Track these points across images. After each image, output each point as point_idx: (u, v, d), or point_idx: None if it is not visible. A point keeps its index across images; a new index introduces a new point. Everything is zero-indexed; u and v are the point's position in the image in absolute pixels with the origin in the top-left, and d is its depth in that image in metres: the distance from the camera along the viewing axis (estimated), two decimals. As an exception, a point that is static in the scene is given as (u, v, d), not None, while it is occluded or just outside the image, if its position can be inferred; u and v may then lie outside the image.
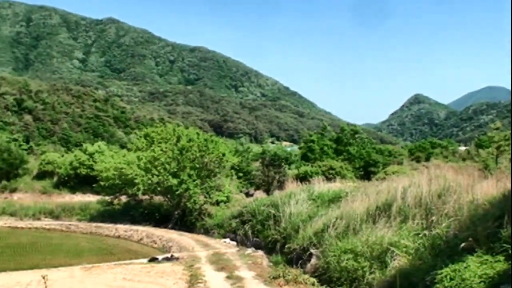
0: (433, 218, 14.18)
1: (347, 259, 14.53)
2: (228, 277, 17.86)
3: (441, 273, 10.37)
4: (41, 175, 63.81)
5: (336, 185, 26.56)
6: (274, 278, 17.06)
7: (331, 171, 51.84)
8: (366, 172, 62.39)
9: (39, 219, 49.67)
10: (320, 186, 26.16)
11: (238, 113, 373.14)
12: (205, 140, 41.50)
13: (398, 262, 13.07)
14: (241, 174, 54.39)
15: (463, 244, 11.07)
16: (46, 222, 47.56)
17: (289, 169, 57.41)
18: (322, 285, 15.52)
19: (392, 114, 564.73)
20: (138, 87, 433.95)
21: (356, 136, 76.48)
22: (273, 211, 24.26)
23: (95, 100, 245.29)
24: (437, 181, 16.38)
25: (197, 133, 44.36)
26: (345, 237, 16.27)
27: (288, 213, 22.81)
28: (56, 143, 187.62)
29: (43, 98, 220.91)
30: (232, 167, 46.12)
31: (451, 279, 10.08)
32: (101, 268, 20.93)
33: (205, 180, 40.10)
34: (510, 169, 38.65)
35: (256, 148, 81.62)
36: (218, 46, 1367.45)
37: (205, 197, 40.22)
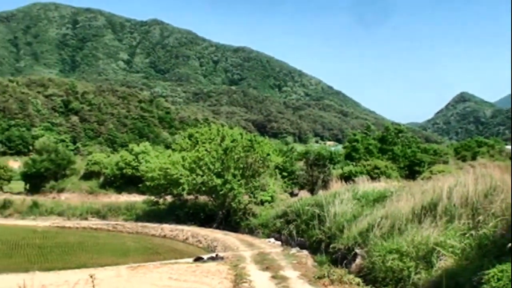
0: (480, 217, 13.99)
1: (393, 259, 14.42)
2: (273, 277, 17.86)
3: (488, 273, 10.23)
4: (88, 176, 64.64)
5: (380, 185, 26.36)
6: (319, 278, 17.02)
7: (375, 171, 51.47)
8: (411, 171, 61.84)
9: (86, 218, 50.33)
10: (364, 185, 26.00)
11: (282, 113, 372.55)
12: (249, 140, 41.52)
13: (444, 262, 12.93)
14: (285, 174, 54.29)
15: (510, 244, 10.91)
16: (93, 222, 48.17)
17: (333, 168, 57.18)
18: (367, 285, 15.43)
19: (437, 112, 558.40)
20: (182, 87, 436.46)
21: (401, 135, 75.79)
22: (317, 211, 24.18)
23: (140, 101, 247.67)
24: (484, 180, 16.15)
25: (241, 133, 44.46)
26: (390, 237, 16.14)
27: (332, 212, 22.73)
28: (102, 144, 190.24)
29: (90, 99, 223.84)
30: (276, 167, 46.07)
31: (498, 279, 9.95)
32: (147, 268, 21.10)
33: (249, 180, 40.12)
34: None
35: (300, 148, 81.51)
36: (261, 46, 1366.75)
37: (250, 197, 40.25)
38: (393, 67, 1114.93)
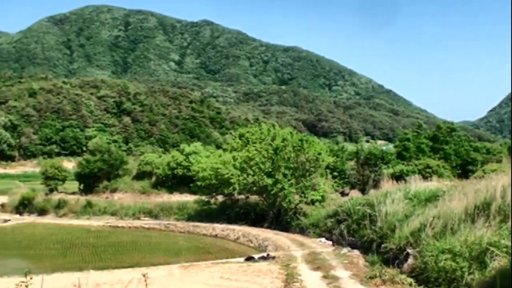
0: (535, 217, 13.78)
1: (445, 259, 14.27)
2: (324, 277, 17.84)
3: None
4: (140, 176, 65.31)
5: (432, 184, 26.07)
6: (371, 278, 16.94)
7: (427, 170, 50.81)
8: (464, 170, 60.89)
9: (138, 218, 50.93)
10: (416, 185, 25.75)
11: (332, 112, 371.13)
12: (300, 139, 41.44)
13: (498, 262, 12.76)
14: (336, 174, 54.05)
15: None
16: (145, 222, 48.71)
17: (384, 168, 56.70)
18: (419, 285, 15.30)
19: (490, 111, 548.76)
20: (233, 87, 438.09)
21: (453, 134, 74.69)
22: (368, 211, 24.05)
23: (191, 101, 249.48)
24: (539, 179, 15.88)
25: (291, 133, 44.40)
26: (442, 237, 15.97)
27: (384, 212, 22.56)
28: (154, 144, 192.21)
29: (141, 100, 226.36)
30: (327, 167, 45.88)
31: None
32: (199, 267, 21.27)
33: (300, 179, 40.05)
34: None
35: (350, 147, 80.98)
36: (311, 46, 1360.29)
37: (300, 196, 40.16)
38: (445, 65, 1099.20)
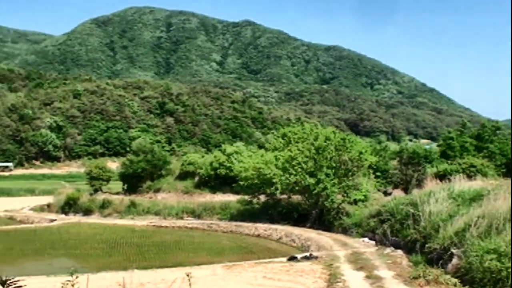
0: None
1: (490, 260, 14.11)
2: (367, 277, 17.78)
3: None
4: (183, 176, 65.62)
5: (477, 183, 25.77)
6: (414, 278, 16.83)
7: (471, 169, 50.22)
8: (509, 169, 60.02)
9: (181, 218, 51.23)
10: (460, 184, 25.48)
11: (374, 111, 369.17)
12: (342, 139, 41.32)
13: (545, 263, 12.60)
14: (378, 173, 53.70)
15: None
16: (189, 221, 48.97)
17: (428, 167, 56.20)
18: (464, 286, 15.15)
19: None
20: (274, 87, 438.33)
21: (498, 132, 73.75)
22: (412, 210, 23.86)
23: (233, 102, 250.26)
24: None
25: (334, 132, 44.26)
26: (487, 237, 15.80)
27: (427, 212, 22.37)
28: (197, 144, 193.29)
29: (184, 100, 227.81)
30: (369, 166, 45.63)
31: None
32: (242, 267, 21.35)
33: (342, 179, 39.92)
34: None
35: (393, 147, 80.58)
36: (352, 45, 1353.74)
37: (343, 196, 40.02)
38: (488, 63, 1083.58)
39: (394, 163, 58.48)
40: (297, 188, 40.48)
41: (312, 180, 38.67)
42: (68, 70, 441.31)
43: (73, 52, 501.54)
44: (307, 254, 24.14)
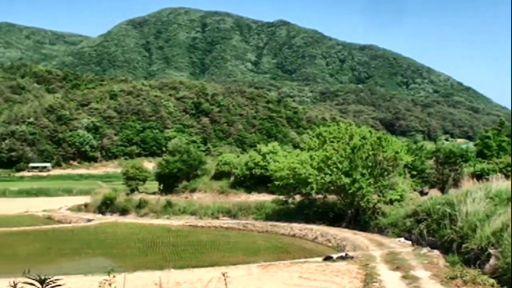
0: None
1: (529, 260, 13.99)
2: (403, 277, 17.70)
3: None
4: (218, 176, 65.82)
5: (515, 183, 25.49)
6: (451, 278, 16.72)
7: (509, 168, 49.64)
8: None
9: (217, 218, 51.36)
10: (497, 183, 25.22)
11: (410, 111, 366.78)
12: (378, 138, 41.14)
13: None
14: (414, 173, 53.33)
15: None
16: (224, 221, 49.11)
17: (465, 166, 55.65)
18: (502, 286, 15.03)
19: None
20: (309, 87, 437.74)
21: (537, 131, 72.80)
22: (448, 210, 23.68)
23: (268, 102, 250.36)
24: None
25: (369, 131, 44.09)
26: (526, 237, 15.65)
27: (464, 211, 22.19)
28: (232, 144, 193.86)
29: (219, 100, 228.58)
30: (405, 165, 45.34)
31: None
32: (277, 266, 21.39)
33: (378, 178, 39.72)
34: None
35: (429, 146, 79.82)
36: (388, 44, 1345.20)
37: (379, 195, 39.83)
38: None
39: (430, 162, 57.99)
40: (332, 188, 40.41)
41: (347, 180, 38.56)
42: (105, 71, 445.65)
43: (109, 53, 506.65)
44: (343, 254, 24.11)
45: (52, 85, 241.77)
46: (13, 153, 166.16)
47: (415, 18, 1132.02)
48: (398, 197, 40.21)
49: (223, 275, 10.92)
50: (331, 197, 44.06)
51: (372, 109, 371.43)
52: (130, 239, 41.68)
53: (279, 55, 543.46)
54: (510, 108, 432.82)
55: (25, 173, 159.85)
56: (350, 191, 38.67)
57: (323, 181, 39.49)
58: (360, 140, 40.43)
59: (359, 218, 39.49)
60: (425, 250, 24.04)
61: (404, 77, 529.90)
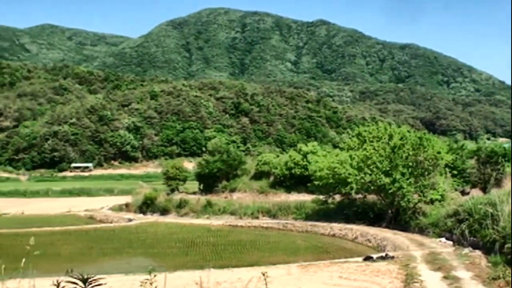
0: None
1: None
2: (444, 277, 17.59)
3: None
4: (258, 175, 65.92)
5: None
6: (494, 279, 16.56)
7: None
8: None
9: (257, 217, 51.46)
10: (541, 183, 24.92)
11: (450, 110, 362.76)
12: (419, 137, 40.84)
13: None
14: (455, 172, 52.79)
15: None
16: (264, 221, 49.22)
17: (507, 166, 54.90)
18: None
19: None
20: (349, 86, 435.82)
21: None
22: (490, 210, 23.45)
23: (307, 101, 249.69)
24: None
25: (409, 131, 43.82)
26: None
27: (506, 211, 21.97)
28: (271, 144, 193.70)
29: (258, 100, 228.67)
30: (446, 165, 44.92)
31: None
32: (317, 266, 21.41)
33: (418, 178, 39.44)
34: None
35: (470, 145, 78.96)
36: (428, 42, 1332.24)
37: (419, 195, 39.53)
38: None
39: (471, 162, 57.36)
40: (372, 187, 40.25)
41: (387, 180, 38.38)
42: (145, 71, 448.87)
43: (150, 53, 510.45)
44: (383, 254, 24.03)
45: (94, 86, 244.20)
46: (55, 153, 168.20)
47: (457, 16, 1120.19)
48: (439, 197, 39.81)
49: (263, 274, 10.97)
50: (371, 197, 43.95)
51: (412, 109, 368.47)
52: (171, 239, 42.07)
53: (318, 55, 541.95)
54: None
55: (67, 173, 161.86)
56: (390, 190, 38.49)
57: (363, 180, 39.37)
58: (400, 140, 40.20)
59: (399, 218, 39.29)
60: (466, 250, 23.83)
61: (444, 76, 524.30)
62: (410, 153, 39.25)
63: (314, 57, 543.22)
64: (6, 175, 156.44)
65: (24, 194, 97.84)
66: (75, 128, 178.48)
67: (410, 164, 39.40)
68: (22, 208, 70.13)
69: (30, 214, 66.38)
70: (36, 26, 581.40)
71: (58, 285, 6.06)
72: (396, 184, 38.13)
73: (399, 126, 48.18)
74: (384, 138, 41.98)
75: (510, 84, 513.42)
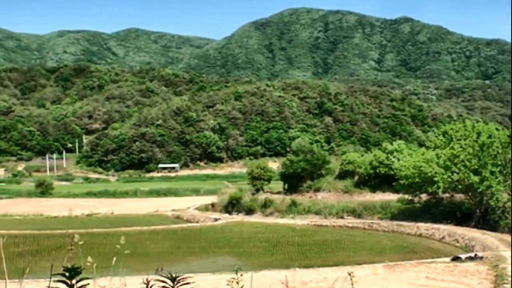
0: None
1: None
2: (536, 278, 17.17)
3: None
4: (342, 175, 65.59)
5: None
6: None
7: None
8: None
9: (342, 217, 51.30)
10: None
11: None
12: (509, 135, 39.90)
13: None
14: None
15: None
16: (349, 221, 49.03)
17: None
18: None
19: None
20: (434, 84, 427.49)
21: None
22: None
23: (392, 100, 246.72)
24: None
25: (497, 129, 42.84)
26: None
27: None
28: (355, 143, 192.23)
29: (342, 100, 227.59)
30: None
31: None
32: (403, 266, 21.24)
33: (508, 177, 38.55)
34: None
35: None
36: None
37: (509, 194, 38.63)
38: None
39: None
40: (460, 186, 39.60)
41: (476, 178, 37.67)
42: (229, 73, 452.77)
43: (233, 55, 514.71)
44: (472, 254, 23.63)
45: (179, 88, 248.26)
46: (143, 155, 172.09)
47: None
48: (530, 196, 38.83)
49: (349, 274, 10.97)
50: (458, 196, 43.23)
51: (500, 106, 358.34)
52: (256, 238, 42.39)
53: (402, 52, 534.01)
54: None
55: (154, 174, 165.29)
56: (479, 189, 37.78)
57: (450, 179, 38.78)
58: (488, 138, 39.35)
59: (488, 218, 38.51)
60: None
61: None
62: (499, 151, 38.40)
63: (398, 55, 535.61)
64: (96, 176, 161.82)
65: (113, 194, 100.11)
66: (161, 130, 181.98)
67: (499, 162, 38.55)
68: (112, 208, 71.81)
69: (119, 214, 67.97)
70: (123, 30, 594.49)
71: (147, 283, 6.24)
72: (485, 183, 37.37)
73: (486, 124, 47.17)
74: (472, 136, 41.20)
75: None
